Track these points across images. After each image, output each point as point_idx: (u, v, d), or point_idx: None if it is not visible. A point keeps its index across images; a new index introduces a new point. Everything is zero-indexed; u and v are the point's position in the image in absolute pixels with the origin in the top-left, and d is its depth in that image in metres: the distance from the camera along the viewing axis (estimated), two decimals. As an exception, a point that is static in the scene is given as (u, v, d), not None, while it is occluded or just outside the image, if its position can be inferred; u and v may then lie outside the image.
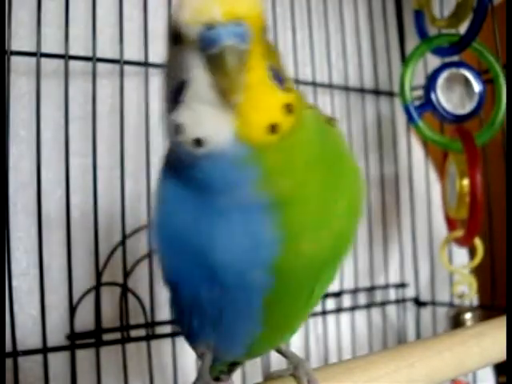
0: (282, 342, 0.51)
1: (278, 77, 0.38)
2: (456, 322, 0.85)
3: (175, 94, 0.37)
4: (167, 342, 0.78)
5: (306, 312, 0.49)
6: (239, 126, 0.36)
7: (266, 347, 0.51)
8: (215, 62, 0.35)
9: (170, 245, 0.42)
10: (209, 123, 0.36)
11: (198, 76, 0.36)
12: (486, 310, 0.87)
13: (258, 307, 0.42)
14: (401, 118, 1.01)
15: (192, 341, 0.50)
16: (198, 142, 0.37)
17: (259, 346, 0.49)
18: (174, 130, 0.37)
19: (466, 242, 0.85)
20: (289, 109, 0.37)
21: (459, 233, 0.85)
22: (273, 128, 0.36)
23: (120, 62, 0.74)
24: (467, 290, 0.86)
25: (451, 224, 0.89)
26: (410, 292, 1.04)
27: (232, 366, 0.58)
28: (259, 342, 0.47)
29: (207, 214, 0.39)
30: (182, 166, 0.39)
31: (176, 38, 0.37)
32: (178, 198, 0.41)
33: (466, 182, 0.82)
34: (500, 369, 0.97)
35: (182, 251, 0.41)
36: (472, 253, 0.87)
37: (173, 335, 0.77)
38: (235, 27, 0.35)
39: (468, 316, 0.85)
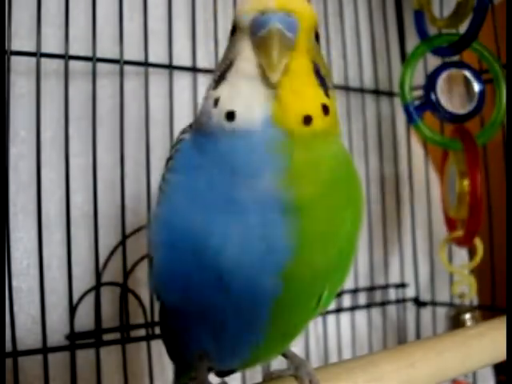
0: (282, 351, 0.49)
1: (321, 76, 0.39)
2: (456, 322, 0.85)
3: (222, 73, 0.40)
4: (167, 342, 0.78)
5: (310, 320, 0.48)
6: (276, 109, 0.37)
7: (266, 356, 0.50)
8: (262, 42, 0.37)
9: (174, 242, 0.40)
10: (244, 98, 0.37)
11: (244, 55, 0.38)
12: (486, 310, 0.87)
13: (264, 315, 0.41)
14: (401, 118, 1.01)
15: (184, 349, 0.48)
16: (231, 116, 0.37)
17: (260, 355, 0.47)
18: (213, 103, 0.39)
19: (465, 242, 0.85)
20: (326, 109, 0.38)
21: (459, 233, 0.85)
22: (307, 119, 0.37)
23: (120, 62, 0.74)
24: (467, 290, 0.86)
25: (451, 224, 0.89)
26: (410, 292, 1.04)
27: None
28: (260, 351, 0.46)
29: (224, 211, 0.38)
30: (209, 144, 0.39)
31: (234, 28, 0.40)
32: (192, 193, 0.40)
33: (466, 181, 0.82)
34: (500, 369, 0.97)
35: (187, 250, 0.39)
36: (472, 253, 0.87)
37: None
38: (285, 16, 0.37)
39: (468, 316, 0.85)
